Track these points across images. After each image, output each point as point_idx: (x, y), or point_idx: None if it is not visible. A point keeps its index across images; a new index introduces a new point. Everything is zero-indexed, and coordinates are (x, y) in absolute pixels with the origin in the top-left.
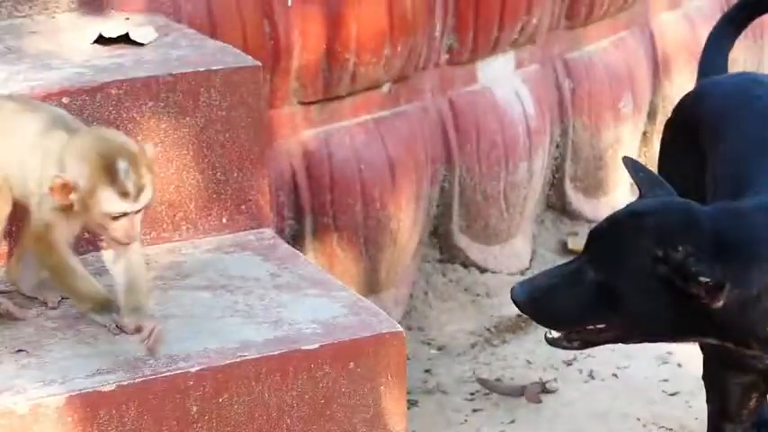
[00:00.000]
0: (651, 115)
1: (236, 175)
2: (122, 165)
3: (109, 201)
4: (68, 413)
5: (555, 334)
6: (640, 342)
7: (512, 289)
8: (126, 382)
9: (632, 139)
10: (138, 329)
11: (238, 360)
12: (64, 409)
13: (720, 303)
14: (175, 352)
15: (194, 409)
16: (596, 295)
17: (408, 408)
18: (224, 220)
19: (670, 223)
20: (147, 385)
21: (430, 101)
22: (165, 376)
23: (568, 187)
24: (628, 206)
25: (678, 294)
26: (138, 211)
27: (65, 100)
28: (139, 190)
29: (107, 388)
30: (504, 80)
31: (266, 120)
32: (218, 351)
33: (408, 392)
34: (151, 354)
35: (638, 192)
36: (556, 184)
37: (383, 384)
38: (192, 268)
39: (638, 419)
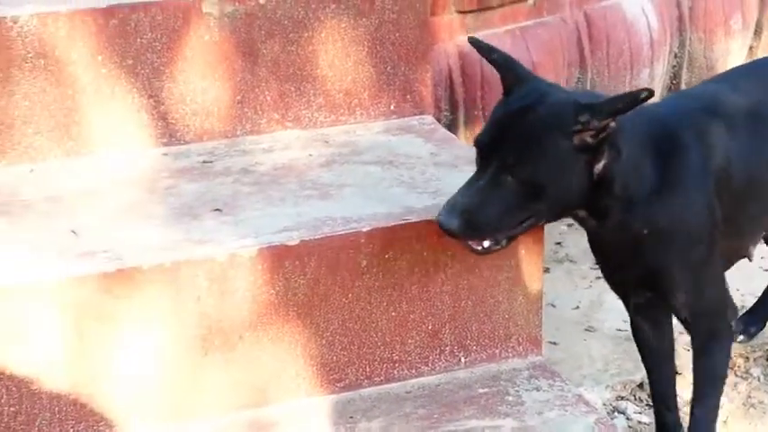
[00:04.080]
0: (757, 32)
1: (403, 68)
2: None
3: None
4: (259, 262)
5: (485, 243)
6: (550, 221)
7: (438, 221)
8: (308, 238)
9: (740, 52)
10: None
11: (402, 222)
12: (256, 258)
13: (602, 164)
14: (350, 214)
15: (364, 262)
16: (520, 194)
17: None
18: (392, 107)
19: (559, 104)
20: (325, 241)
21: (568, 13)
22: (341, 234)
23: None
24: (506, 106)
25: (582, 165)
26: None
27: (262, 1)
28: None
29: (292, 242)
30: None
31: (429, 23)
32: (386, 215)
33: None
34: None
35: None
36: (673, 89)
37: (524, 250)
38: (365, 146)
39: None
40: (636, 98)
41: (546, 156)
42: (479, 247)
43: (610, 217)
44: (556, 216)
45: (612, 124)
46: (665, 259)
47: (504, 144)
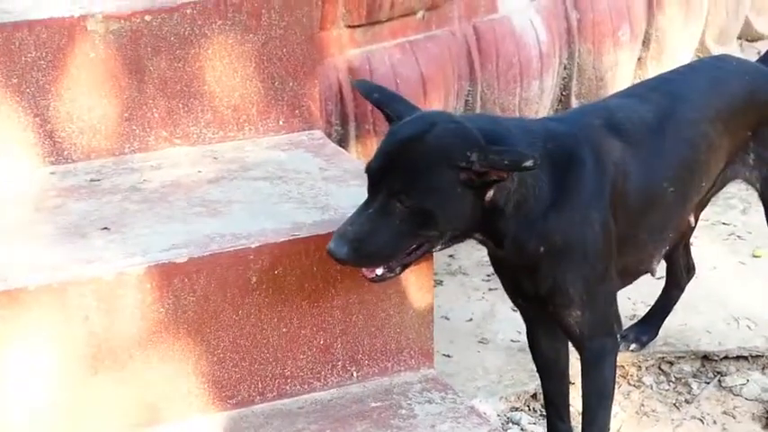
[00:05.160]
0: (645, 43)
1: (291, 84)
2: None
3: None
4: (148, 281)
5: (378, 271)
6: (446, 247)
7: (329, 249)
8: (197, 255)
9: (629, 62)
10: None
11: (291, 238)
12: (144, 276)
13: (491, 193)
14: (239, 231)
15: (254, 279)
16: (409, 222)
17: (435, 285)
18: (281, 122)
19: (448, 135)
20: (214, 258)
21: (457, 26)
22: (230, 251)
23: (574, 103)
24: (395, 134)
25: (471, 194)
26: None
27: (147, 18)
28: None
29: (181, 260)
30: (520, 10)
31: (317, 38)
32: (275, 230)
33: (436, 273)
34: None
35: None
36: (563, 100)
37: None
38: (254, 162)
39: None
40: (519, 163)
41: (433, 185)
42: (372, 275)
43: (506, 238)
44: (450, 242)
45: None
46: (561, 277)
47: (392, 172)
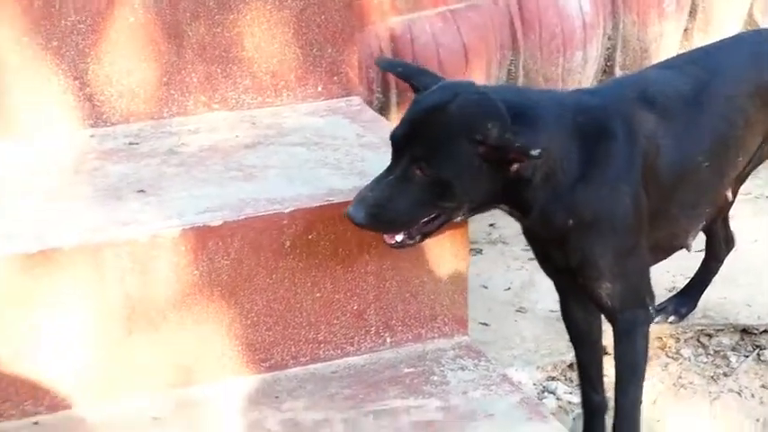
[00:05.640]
0: (692, 14)
1: (329, 50)
2: None
3: None
4: (182, 243)
5: (398, 237)
6: (463, 219)
7: (347, 213)
8: (231, 219)
9: (675, 33)
10: None
11: (326, 203)
12: (179, 239)
13: (516, 165)
14: (273, 195)
15: (288, 243)
16: (428, 191)
17: (474, 254)
18: (319, 89)
19: (471, 106)
20: (248, 222)
21: None
22: (264, 215)
23: (618, 74)
24: (420, 102)
25: (491, 167)
26: None
27: None
28: None
29: (215, 223)
30: None
31: (357, 5)
32: (310, 196)
33: (475, 242)
34: None
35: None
36: (607, 71)
37: (449, 230)
38: (291, 128)
39: None
40: (527, 150)
41: (453, 156)
42: (392, 241)
43: (533, 210)
44: (471, 212)
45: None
46: (590, 250)
47: (414, 140)
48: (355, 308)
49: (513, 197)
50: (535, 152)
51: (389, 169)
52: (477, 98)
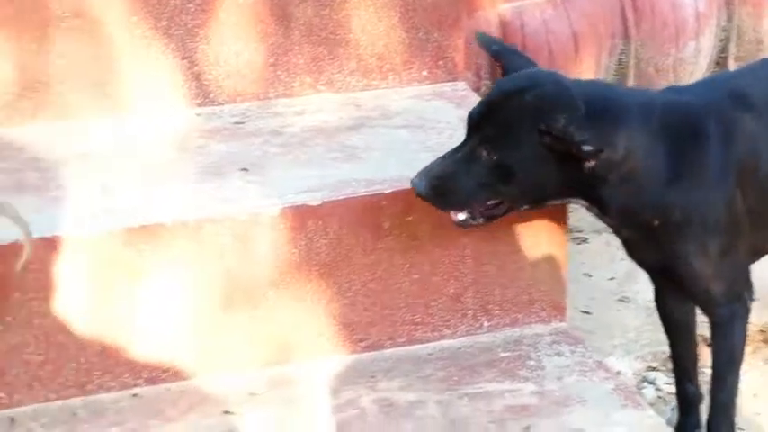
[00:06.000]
0: None
1: (435, 35)
2: None
3: None
4: (282, 222)
5: (461, 216)
6: (530, 208)
7: (411, 182)
8: (330, 199)
9: None
10: None
11: None
12: (278, 218)
13: (592, 163)
14: (373, 177)
15: (386, 224)
16: (492, 174)
17: (579, 243)
18: (424, 73)
19: (546, 96)
20: (347, 202)
21: None
22: (363, 195)
23: (732, 66)
24: (501, 85)
25: (560, 160)
26: None
27: None
28: None
29: (315, 203)
30: None
31: None
32: (410, 177)
33: (581, 231)
34: None
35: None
36: (720, 63)
37: (547, 217)
38: (395, 111)
39: None
40: (579, 145)
41: (518, 143)
42: (455, 219)
43: (611, 209)
44: (538, 203)
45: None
46: (680, 250)
47: (487, 122)
48: (452, 291)
49: (589, 194)
50: (588, 148)
51: (459, 147)
52: (554, 89)
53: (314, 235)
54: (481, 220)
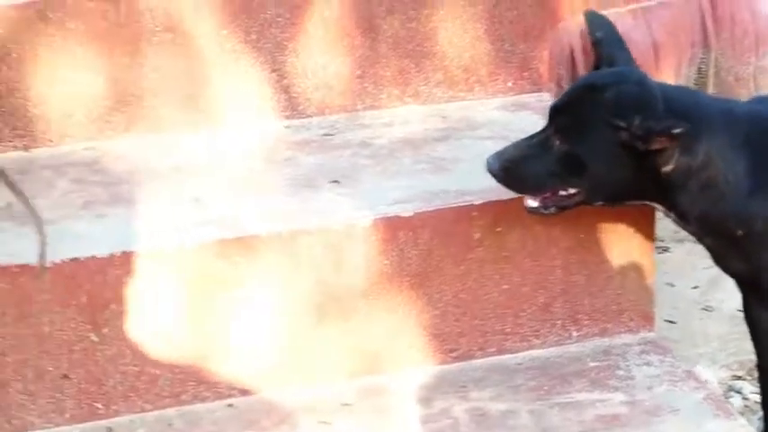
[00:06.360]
0: None
1: (521, 46)
2: None
3: None
4: (374, 233)
5: (533, 203)
6: (603, 205)
7: (486, 161)
8: (422, 210)
9: None
10: None
11: (515, 197)
12: (371, 229)
13: (671, 167)
14: (463, 188)
15: (477, 235)
16: (563, 163)
17: (661, 252)
18: (509, 84)
19: (627, 96)
20: (438, 213)
21: None
22: (454, 206)
23: None
24: (587, 78)
25: (635, 159)
26: None
27: None
28: None
29: (406, 214)
30: None
31: (549, 1)
32: (499, 188)
33: (662, 240)
34: None
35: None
36: None
37: (635, 226)
38: (481, 122)
39: None
40: (669, 129)
41: (592, 136)
42: (527, 205)
43: (690, 214)
44: (610, 200)
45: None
46: (765, 260)
47: (565, 113)
48: (542, 301)
49: (667, 199)
50: (678, 129)
51: (536, 134)
52: (636, 88)
53: (405, 246)
54: (552, 210)
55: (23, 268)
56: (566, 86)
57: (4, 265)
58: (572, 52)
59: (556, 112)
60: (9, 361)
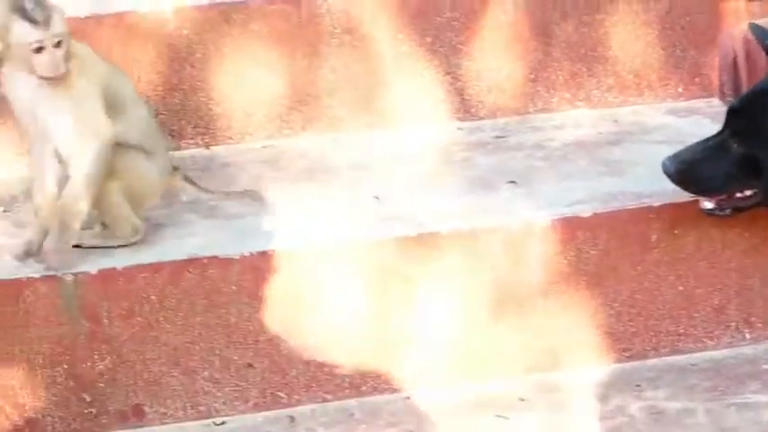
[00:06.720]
0: None
1: (692, 52)
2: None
3: (22, 30)
4: (552, 233)
5: (709, 205)
6: None
7: (662, 163)
8: (600, 211)
9: None
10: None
11: (692, 199)
12: (549, 229)
13: None
14: (640, 190)
15: (654, 237)
16: (739, 165)
17: None
18: (680, 89)
19: None
20: (616, 214)
21: None
22: (632, 208)
23: None
24: (765, 82)
25: None
26: (57, 45)
27: None
28: (47, 18)
29: (585, 214)
30: None
31: (719, 9)
32: (675, 191)
33: None
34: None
35: None
36: None
37: None
38: (653, 126)
39: None
40: None
41: None
42: (702, 206)
43: None
44: None
45: None
46: None
47: (742, 115)
48: (716, 303)
49: None
50: None
51: (713, 137)
52: None
53: (583, 246)
54: (728, 211)
55: (212, 260)
56: (728, 92)
57: (195, 257)
58: (735, 58)
59: (733, 115)
60: (197, 349)
